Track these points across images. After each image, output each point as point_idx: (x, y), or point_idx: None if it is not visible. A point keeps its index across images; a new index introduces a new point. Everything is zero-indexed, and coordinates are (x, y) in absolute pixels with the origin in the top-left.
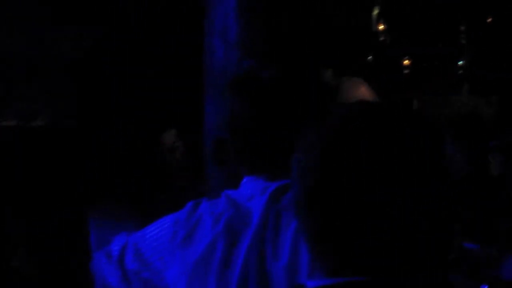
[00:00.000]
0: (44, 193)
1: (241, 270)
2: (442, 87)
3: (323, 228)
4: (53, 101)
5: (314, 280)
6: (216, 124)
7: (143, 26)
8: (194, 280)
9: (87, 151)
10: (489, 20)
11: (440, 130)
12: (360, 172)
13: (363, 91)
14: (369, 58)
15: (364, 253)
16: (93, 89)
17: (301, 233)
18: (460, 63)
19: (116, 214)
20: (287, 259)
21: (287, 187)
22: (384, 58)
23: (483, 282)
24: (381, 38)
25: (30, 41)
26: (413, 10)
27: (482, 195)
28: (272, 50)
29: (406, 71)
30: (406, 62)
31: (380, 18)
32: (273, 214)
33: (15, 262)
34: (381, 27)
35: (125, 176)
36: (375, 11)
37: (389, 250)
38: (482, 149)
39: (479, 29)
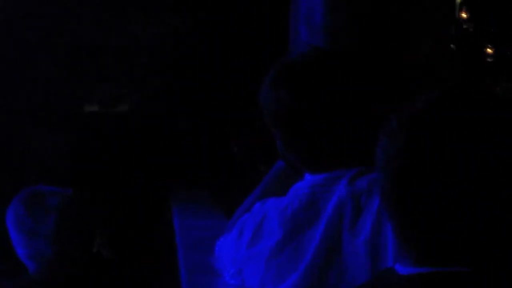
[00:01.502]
0: (127, 179)
1: (313, 260)
2: None
3: (410, 215)
4: (137, 87)
5: (406, 267)
6: None
7: (226, 10)
8: (267, 276)
9: (169, 137)
10: None
11: None
12: (444, 159)
13: None
14: (452, 46)
15: (453, 242)
16: (175, 76)
17: (386, 218)
18: None
19: (197, 201)
20: (368, 236)
21: (362, 172)
22: (467, 46)
23: None
24: (464, 26)
25: (113, 28)
26: None
27: None
28: (353, 36)
29: (489, 60)
30: (489, 50)
31: (463, 5)
32: (350, 199)
33: (96, 247)
34: (464, 15)
35: (206, 164)
36: None
37: (478, 240)
38: None
39: None
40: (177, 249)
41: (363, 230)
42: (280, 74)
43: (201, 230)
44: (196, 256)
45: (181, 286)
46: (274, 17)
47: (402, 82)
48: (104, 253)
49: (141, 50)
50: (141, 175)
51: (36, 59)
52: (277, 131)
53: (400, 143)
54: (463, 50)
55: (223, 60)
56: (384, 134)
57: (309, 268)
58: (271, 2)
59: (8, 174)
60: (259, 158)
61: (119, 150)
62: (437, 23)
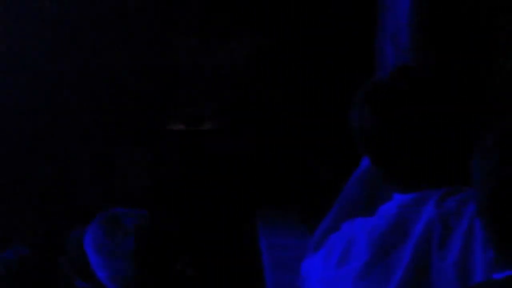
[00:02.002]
0: (211, 198)
1: (402, 283)
2: None
3: (506, 224)
4: (222, 106)
5: (501, 273)
6: None
7: (310, 29)
8: None
9: (255, 156)
10: None
11: None
12: None
13: None
14: None
15: None
16: (260, 96)
17: (476, 239)
18: None
19: (284, 219)
20: (457, 257)
21: (450, 193)
22: None
23: None
24: None
25: (198, 49)
26: None
27: None
28: (440, 54)
29: None
30: None
31: None
32: (439, 220)
33: (179, 266)
34: None
35: (292, 182)
36: None
37: None
38: None
39: None
40: (264, 269)
41: (452, 252)
42: (366, 93)
43: (287, 249)
44: (282, 276)
45: None
46: (360, 38)
47: (491, 99)
48: (188, 272)
49: (227, 70)
50: (227, 193)
51: (124, 79)
52: (365, 150)
53: (496, 160)
54: None
55: (307, 80)
56: (479, 151)
57: None
58: (357, 22)
59: (92, 189)
60: (344, 177)
61: (205, 168)
62: None
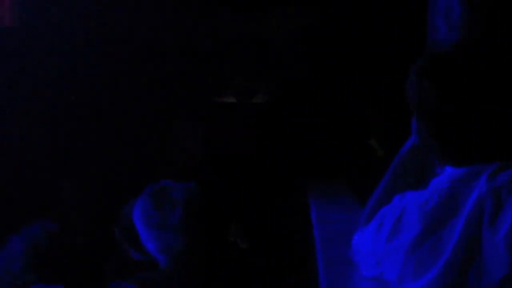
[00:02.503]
0: (263, 171)
1: (452, 257)
2: None
3: None
4: (273, 79)
5: None
6: None
7: (358, 5)
8: (406, 270)
9: (306, 129)
10: None
11: None
12: None
13: None
14: None
15: None
16: (310, 70)
17: None
18: None
19: (335, 193)
20: (508, 231)
21: (502, 167)
22: None
23: None
24: None
25: (249, 22)
26: None
27: None
28: (491, 34)
29: None
30: None
31: None
32: (491, 194)
33: (231, 237)
34: None
35: (343, 155)
36: None
37: None
38: None
39: None
40: (315, 242)
41: (503, 226)
42: (427, 66)
43: (339, 223)
44: (333, 250)
45: (317, 278)
46: (411, 13)
47: None
48: (240, 244)
49: (277, 43)
50: (278, 166)
51: (175, 53)
52: (421, 121)
53: None
54: None
55: (355, 55)
56: None
57: (449, 264)
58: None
59: (145, 163)
60: (394, 149)
61: (255, 141)
62: None
